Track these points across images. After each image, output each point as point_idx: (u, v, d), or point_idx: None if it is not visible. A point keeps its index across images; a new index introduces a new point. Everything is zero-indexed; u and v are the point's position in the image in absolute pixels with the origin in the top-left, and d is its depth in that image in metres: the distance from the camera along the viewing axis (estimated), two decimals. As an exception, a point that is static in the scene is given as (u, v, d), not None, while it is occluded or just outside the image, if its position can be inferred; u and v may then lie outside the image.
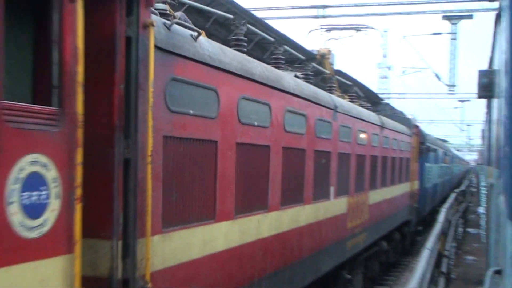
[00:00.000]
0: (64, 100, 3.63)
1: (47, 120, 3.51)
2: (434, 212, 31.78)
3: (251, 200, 6.63)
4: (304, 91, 8.45)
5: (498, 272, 3.51)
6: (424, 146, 23.32)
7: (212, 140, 5.65)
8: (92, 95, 3.99)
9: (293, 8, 32.97)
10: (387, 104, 31.97)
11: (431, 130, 61.03)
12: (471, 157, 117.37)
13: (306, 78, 9.74)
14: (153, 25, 4.45)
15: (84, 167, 3.77)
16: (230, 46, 6.87)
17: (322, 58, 15.43)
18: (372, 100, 19.85)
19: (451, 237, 19.75)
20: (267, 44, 10.44)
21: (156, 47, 4.60)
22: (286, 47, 10.01)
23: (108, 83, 4.19)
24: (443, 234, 15.71)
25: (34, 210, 3.41)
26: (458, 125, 72.35)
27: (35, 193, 3.41)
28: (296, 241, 8.17)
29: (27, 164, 3.35)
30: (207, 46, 5.57)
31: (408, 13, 30.95)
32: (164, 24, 4.88)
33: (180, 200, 5.12)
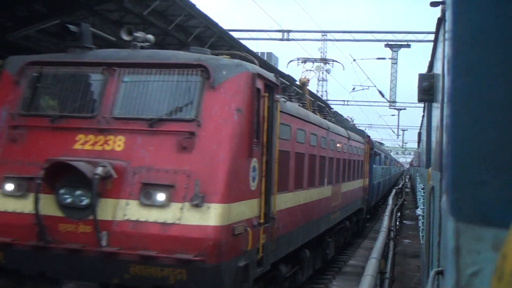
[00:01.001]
0: (259, 136, 9.13)
1: (255, 144, 8.99)
2: (376, 206, 38.02)
3: (298, 183, 12.21)
4: (316, 121, 14.13)
5: (439, 272, 3.51)
6: (372, 152, 29.10)
7: (288, 151, 11.20)
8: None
9: (263, 31, 38.69)
10: (335, 112, 38.09)
11: (370, 134, 67.72)
12: (404, 160, 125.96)
13: (303, 106, 15.38)
14: (279, 101, 10.00)
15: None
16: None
17: (303, 86, 21.33)
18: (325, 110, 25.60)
19: (392, 226, 25.68)
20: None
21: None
22: (281, 79, 14.54)
23: (261, 128, 9.67)
24: (390, 214, 21.69)
25: (253, 179, 8.88)
26: (394, 130, 79.86)
27: (253, 173, 8.89)
28: (312, 208, 13.79)
29: (253, 161, 8.83)
30: (288, 104, 11.16)
31: (357, 41, 37.27)
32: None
33: (280, 180, 10.63)
